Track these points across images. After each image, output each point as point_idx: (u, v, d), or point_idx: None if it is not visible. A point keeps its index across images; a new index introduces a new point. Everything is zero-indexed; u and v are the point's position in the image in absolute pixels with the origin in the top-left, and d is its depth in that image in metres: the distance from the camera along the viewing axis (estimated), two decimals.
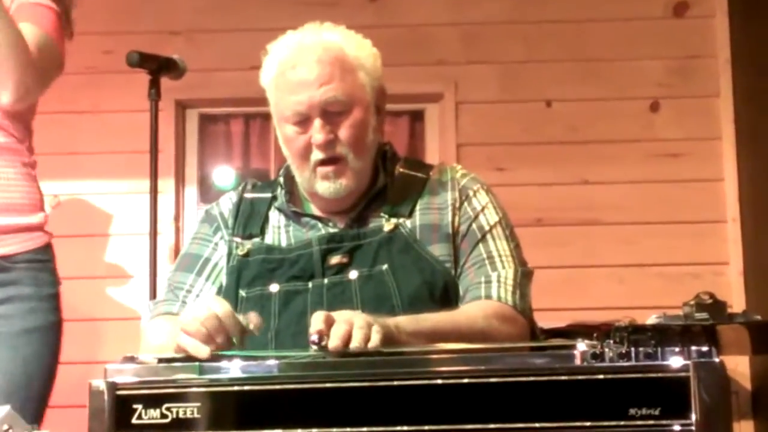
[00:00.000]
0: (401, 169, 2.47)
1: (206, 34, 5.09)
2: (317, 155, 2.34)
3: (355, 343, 1.86)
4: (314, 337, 1.86)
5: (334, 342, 1.85)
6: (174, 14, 5.14)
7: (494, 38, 5.07)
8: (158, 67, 3.93)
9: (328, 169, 2.34)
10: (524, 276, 2.35)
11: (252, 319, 1.99)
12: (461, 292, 2.32)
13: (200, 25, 5.12)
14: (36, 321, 2.83)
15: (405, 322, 2.06)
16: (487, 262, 2.34)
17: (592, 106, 4.99)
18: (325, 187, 2.35)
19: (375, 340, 1.89)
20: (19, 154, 2.89)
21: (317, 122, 2.32)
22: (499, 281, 2.30)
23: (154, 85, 3.94)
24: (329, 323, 1.88)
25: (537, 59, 5.04)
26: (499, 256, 2.35)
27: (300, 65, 2.34)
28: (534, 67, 5.04)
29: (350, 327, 1.88)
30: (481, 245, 2.36)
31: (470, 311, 2.25)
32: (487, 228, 2.38)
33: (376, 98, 2.41)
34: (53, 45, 2.88)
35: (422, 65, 5.02)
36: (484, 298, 2.28)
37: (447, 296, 2.30)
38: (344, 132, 2.33)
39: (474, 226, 2.38)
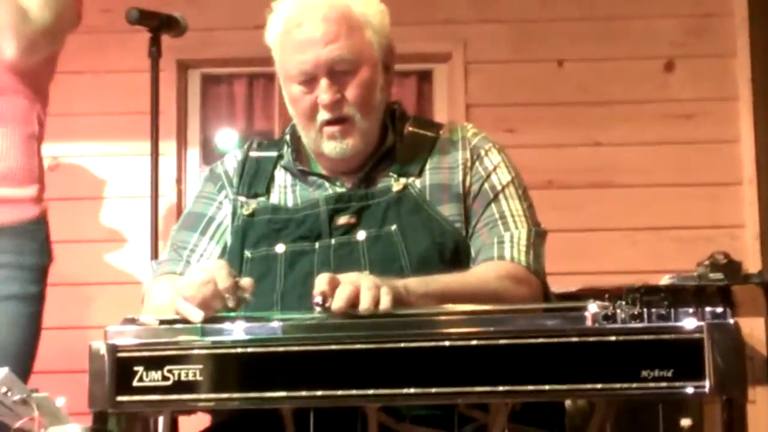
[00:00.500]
0: (410, 128, 2.44)
1: None
2: (323, 115, 2.30)
3: (364, 305, 1.83)
4: (318, 299, 1.82)
5: (337, 303, 1.82)
6: None
7: None
8: (159, 25, 3.90)
9: (334, 129, 2.31)
10: (538, 236, 2.33)
11: (245, 286, 1.94)
12: (473, 253, 2.29)
13: None
14: (12, 289, 2.79)
15: (414, 283, 2.03)
16: (499, 222, 2.31)
17: (604, 66, 4.92)
18: (331, 147, 2.32)
19: (385, 302, 1.86)
20: (24, 122, 2.86)
21: (323, 82, 2.28)
22: (512, 241, 2.28)
23: (155, 43, 3.93)
24: (333, 285, 1.85)
25: (548, 18, 4.97)
26: (512, 216, 2.32)
27: (305, 23, 2.30)
28: (545, 27, 4.97)
29: (356, 288, 1.84)
30: (493, 205, 2.33)
31: (482, 272, 2.22)
32: (499, 188, 2.35)
33: (384, 56, 2.37)
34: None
35: (430, 24, 4.96)
36: (496, 259, 2.26)
37: (457, 257, 2.27)
38: (351, 92, 2.30)
39: (486, 185, 2.35)
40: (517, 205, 2.34)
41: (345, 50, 2.27)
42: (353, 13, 2.31)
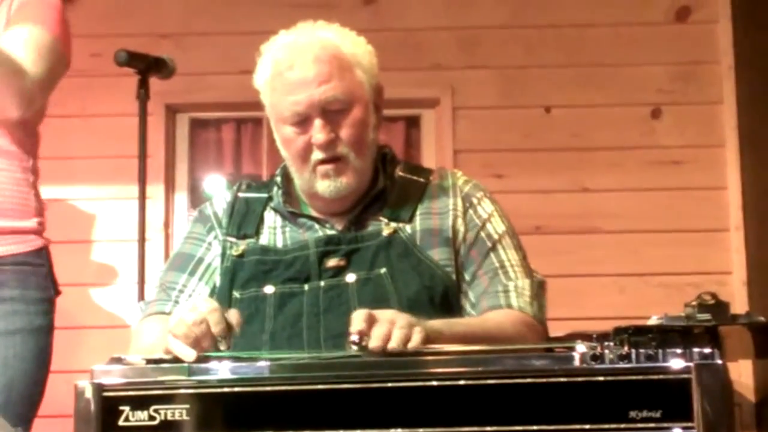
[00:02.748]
0: (401, 173, 2.45)
1: (196, 37, 5.03)
2: (318, 155, 2.30)
3: (393, 344, 1.84)
4: (354, 337, 1.82)
5: (375, 342, 1.83)
6: (163, 17, 5.08)
7: (492, 43, 5.02)
8: (147, 67, 3.91)
9: (328, 167, 2.30)
10: (539, 287, 2.37)
11: (232, 318, 1.94)
12: (472, 299, 2.31)
13: (190, 28, 5.06)
14: (18, 323, 2.76)
15: (440, 325, 2.03)
16: (500, 271, 2.33)
17: (592, 112, 4.95)
18: (325, 186, 2.31)
19: (416, 341, 1.87)
20: (18, 158, 2.85)
21: (317, 122, 2.28)
22: (516, 291, 2.30)
23: (143, 85, 3.92)
24: (371, 323, 1.85)
25: (536, 64, 4.99)
26: (512, 266, 2.35)
27: (297, 65, 2.29)
28: (533, 73, 4.99)
29: (392, 327, 1.86)
30: (492, 254, 2.35)
31: (497, 318, 2.24)
32: (496, 237, 2.37)
33: (374, 96, 2.38)
34: (58, 45, 2.84)
35: (418, 70, 4.97)
36: (504, 307, 2.27)
37: (447, 301, 2.28)
38: (345, 131, 2.30)
39: (482, 234, 2.37)
40: (514, 255, 2.36)
41: (338, 90, 2.28)
42: (343, 54, 2.32)
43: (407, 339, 1.85)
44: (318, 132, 2.27)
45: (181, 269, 2.40)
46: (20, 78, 2.73)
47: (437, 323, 2.02)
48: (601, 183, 4.89)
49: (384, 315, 1.89)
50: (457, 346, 1.91)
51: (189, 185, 5.12)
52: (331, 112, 2.29)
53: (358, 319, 1.86)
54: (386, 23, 4.95)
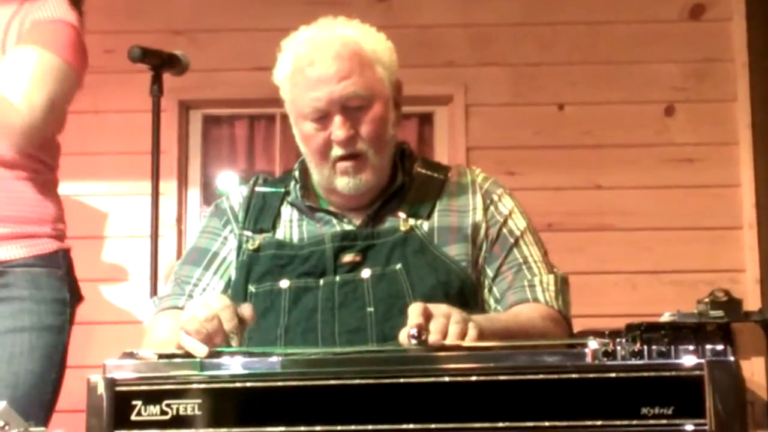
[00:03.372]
0: (419, 169, 2.45)
1: (209, 33, 5.03)
2: (337, 152, 2.31)
3: (450, 338, 1.85)
4: (413, 331, 1.82)
5: (435, 336, 1.84)
6: (176, 13, 5.08)
7: (505, 40, 5.01)
8: (161, 63, 3.90)
9: (348, 164, 2.31)
10: (564, 282, 2.38)
11: (245, 312, 1.95)
12: (497, 294, 2.32)
13: (203, 25, 5.06)
14: (26, 321, 2.75)
15: (483, 320, 2.04)
16: (524, 266, 2.35)
17: (605, 109, 4.94)
18: (344, 183, 2.32)
19: (472, 335, 1.90)
20: (34, 169, 2.83)
21: (337, 118, 2.28)
22: (542, 285, 2.32)
23: (156, 81, 3.91)
24: (428, 317, 1.87)
25: (549, 62, 4.99)
26: (534, 261, 2.36)
27: (318, 61, 2.29)
28: (546, 70, 4.99)
29: (448, 321, 1.88)
30: (515, 250, 2.36)
31: (528, 312, 2.26)
32: (518, 233, 2.38)
33: (394, 93, 2.38)
34: (67, 70, 2.80)
35: (431, 67, 4.97)
36: (531, 301, 2.29)
37: (462, 296, 2.28)
38: (365, 128, 2.30)
39: (504, 230, 2.38)
40: (536, 251, 2.38)
41: (359, 86, 2.28)
42: (364, 50, 2.31)
43: (463, 334, 1.88)
44: (338, 128, 2.28)
45: (196, 263, 2.40)
46: (10, 118, 2.69)
47: (480, 318, 2.03)
48: (614, 180, 4.89)
49: (439, 309, 1.90)
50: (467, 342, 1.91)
51: (202, 182, 5.12)
52: (351, 109, 2.29)
53: (414, 312, 1.86)
54: (399, 20, 4.94)
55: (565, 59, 4.97)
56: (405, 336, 1.84)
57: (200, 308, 1.94)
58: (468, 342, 1.86)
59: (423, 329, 1.83)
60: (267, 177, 2.52)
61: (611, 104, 4.93)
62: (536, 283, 2.31)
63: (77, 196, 4.87)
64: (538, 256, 2.37)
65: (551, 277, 2.34)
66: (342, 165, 2.30)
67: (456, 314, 1.90)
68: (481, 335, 1.94)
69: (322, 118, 2.29)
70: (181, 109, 5.04)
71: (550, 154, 4.92)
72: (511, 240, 2.36)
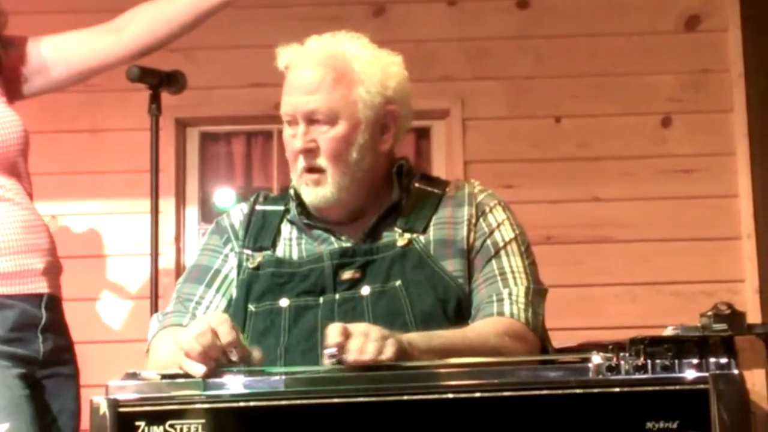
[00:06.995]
0: (417, 185, 2.44)
1: (206, 51, 5.01)
2: (301, 162, 2.32)
3: (367, 356, 1.84)
4: (332, 350, 1.83)
5: (354, 356, 1.84)
6: None
7: (502, 53, 5.01)
8: (159, 82, 3.90)
9: (309, 176, 2.33)
10: (537, 293, 2.33)
11: (255, 354, 1.97)
12: (473, 310, 2.29)
13: (199, 42, 4.99)
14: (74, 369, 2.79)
15: (417, 338, 2.03)
16: (498, 278, 2.31)
17: (602, 121, 4.93)
18: (307, 193, 2.34)
19: (388, 353, 1.88)
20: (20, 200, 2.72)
21: (300, 128, 2.30)
22: (510, 298, 2.28)
23: (155, 100, 3.91)
24: (347, 336, 1.86)
25: (545, 74, 4.98)
26: (512, 272, 2.32)
27: (298, 67, 2.32)
28: (543, 83, 4.98)
29: (366, 340, 1.87)
30: (493, 261, 2.33)
31: (482, 328, 2.22)
32: (501, 244, 2.35)
33: (375, 117, 2.34)
34: None
35: (428, 81, 4.93)
36: (495, 315, 2.25)
37: (460, 313, 2.27)
38: (324, 144, 2.31)
39: (488, 242, 2.35)
40: (518, 261, 2.34)
41: (321, 104, 2.28)
42: (349, 68, 2.30)
43: (380, 351, 1.86)
44: (298, 138, 2.30)
45: (198, 281, 2.39)
46: None
47: (415, 336, 2.03)
48: (612, 192, 4.88)
49: (357, 328, 1.90)
50: (470, 359, 1.91)
51: (200, 199, 5.11)
52: (315, 122, 2.30)
53: (333, 332, 1.87)
54: (395, 35, 4.91)
55: (561, 72, 4.97)
56: (325, 356, 1.85)
57: (194, 324, 1.94)
58: (384, 360, 1.86)
59: (342, 347, 1.84)
60: (268, 194, 2.51)
61: (608, 116, 4.92)
62: (505, 297, 2.27)
63: (76, 215, 4.88)
64: (518, 266, 2.33)
65: (523, 288, 2.29)
66: (305, 176, 2.32)
67: (374, 332, 1.89)
68: (410, 353, 1.94)
69: (293, 124, 2.32)
70: (177, 127, 5.02)
71: (548, 167, 4.91)
72: (492, 251, 2.33)
